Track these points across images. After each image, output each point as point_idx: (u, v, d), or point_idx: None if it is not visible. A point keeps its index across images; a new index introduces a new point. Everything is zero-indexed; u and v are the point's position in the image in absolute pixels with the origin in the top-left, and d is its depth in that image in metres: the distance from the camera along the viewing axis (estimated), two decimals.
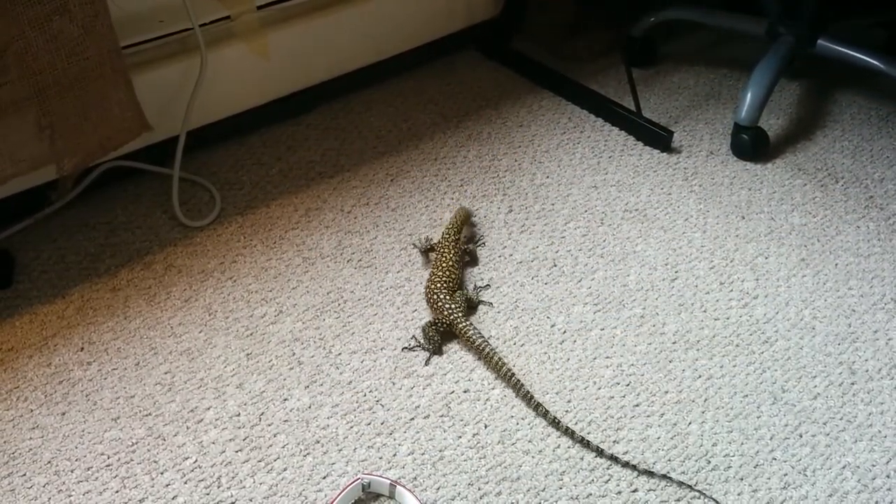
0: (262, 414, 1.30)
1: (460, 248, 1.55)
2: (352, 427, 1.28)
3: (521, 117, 1.99)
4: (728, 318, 1.50)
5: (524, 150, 1.88)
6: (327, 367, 1.37)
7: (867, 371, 1.41)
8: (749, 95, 1.85)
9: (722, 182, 1.82)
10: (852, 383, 1.39)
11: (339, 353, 1.40)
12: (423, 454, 1.25)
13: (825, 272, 1.60)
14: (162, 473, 1.21)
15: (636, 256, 1.62)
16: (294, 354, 1.39)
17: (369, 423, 1.29)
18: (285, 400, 1.32)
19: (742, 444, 1.29)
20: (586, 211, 1.72)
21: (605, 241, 1.65)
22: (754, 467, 1.26)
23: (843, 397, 1.37)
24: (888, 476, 1.25)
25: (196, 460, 1.23)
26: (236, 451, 1.24)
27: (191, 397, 1.32)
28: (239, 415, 1.29)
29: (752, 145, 1.87)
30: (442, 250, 1.52)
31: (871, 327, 1.49)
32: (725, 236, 1.67)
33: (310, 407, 1.31)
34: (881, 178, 1.84)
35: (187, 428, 1.27)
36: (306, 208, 1.70)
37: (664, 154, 1.89)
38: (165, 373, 1.35)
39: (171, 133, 1.68)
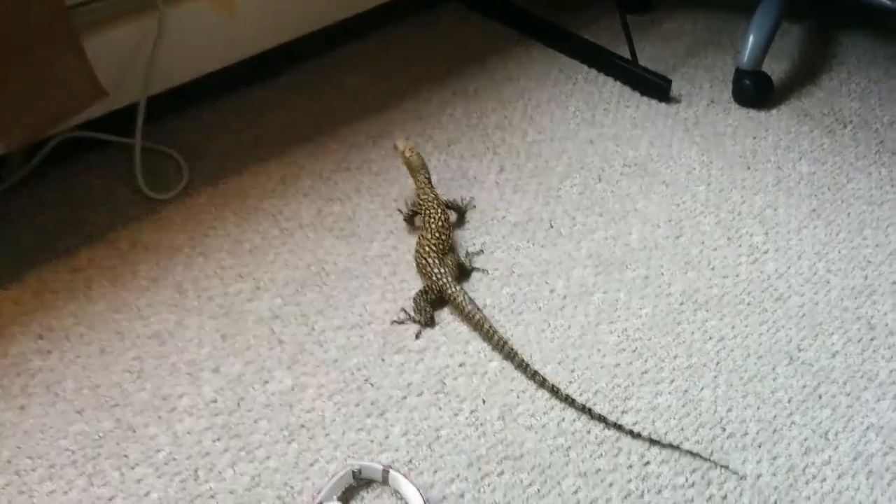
0: (241, 399, 1.20)
1: (441, 202, 1.44)
2: (339, 409, 1.19)
3: (509, 71, 1.87)
4: (738, 276, 1.40)
5: (514, 105, 1.77)
6: (310, 345, 1.27)
7: (887, 325, 1.32)
8: (751, 38, 1.74)
9: (725, 131, 1.71)
10: (872, 339, 1.30)
11: (323, 330, 1.29)
12: (417, 435, 1.16)
13: (837, 222, 1.50)
14: (133, 468, 1.11)
15: (637, 214, 1.52)
16: (274, 333, 1.29)
17: (358, 404, 1.19)
18: (266, 383, 1.22)
19: (758, 408, 1.20)
20: (582, 167, 1.61)
21: (603, 198, 1.55)
22: (772, 433, 1.17)
23: (863, 354, 1.28)
24: None
25: (170, 452, 1.13)
26: (214, 441, 1.14)
27: (162, 384, 1.21)
28: (216, 401, 1.19)
29: (755, 91, 1.76)
30: (427, 210, 1.41)
31: (888, 278, 1.40)
32: (731, 188, 1.57)
33: (293, 389, 1.21)
34: (891, 121, 1.74)
35: (159, 417, 1.17)
36: (282, 175, 1.58)
37: (663, 104, 1.77)
38: (134, 359, 1.25)
39: (131, 100, 1.55)
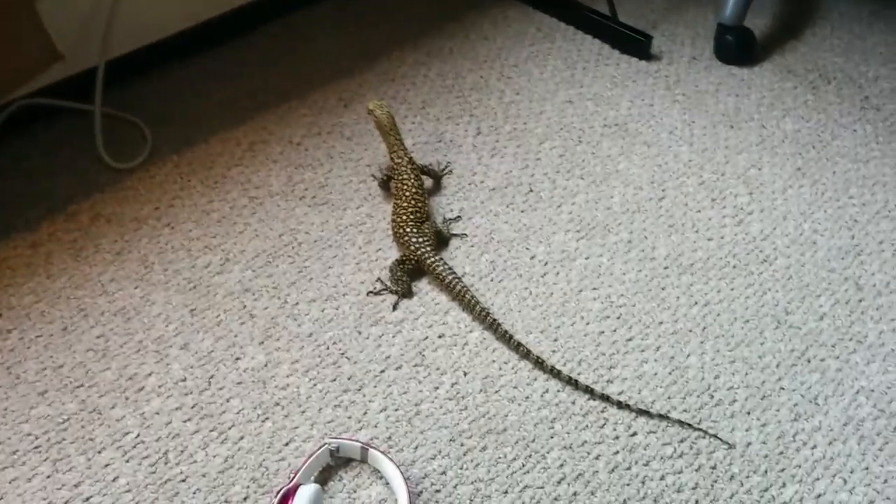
0: (212, 377, 1.15)
1: (416, 166, 1.38)
2: (315, 385, 1.14)
3: (485, 30, 1.80)
4: (722, 238, 1.36)
5: (490, 65, 1.71)
6: (283, 318, 1.22)
7: (874, 286, 1.29)
8: None
9: (707, 89, 1.66)
10: (860, 300, 1.27)
11: (296, 303, 1.24)
12: (396, 410, 1.11)
13: (823, 181, 1.47)
14: (99, 452, 1.06)
15: (619, 176, 1.47)
16: (245, 307, 1.23)
17: (334, 380, 1.15)
18: (237, 359, 1.17)
19: (746, 374, 1.17)
20: (562, 129, 1.56)
21: (584, 160, 1.50)
22: (761, 399, 1.14)
23: (851, 316, 1.25)
24: None
25: (138, 434, 1.08)
26: (184, 421, 1.10)
27: (129, 363, 1.16)
28: (185, 380, 1.14)
29: (737, 47, 1.71)
30: (400, 176, 1.36)
31: (875, 238, 1.37)
32: (714, 148, 1.53)
33: (266, 365, 1.16)
34: (875, 76, 1.70)
35: (126, 398, 1.12)
36: (250, 142, 1.51)
37: (643, 62, 1.72)
38: (98, 337, 1.19)
39: (89, 64, 1.48)
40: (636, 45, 1.73)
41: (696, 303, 1.26)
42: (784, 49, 1.77)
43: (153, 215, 1.37)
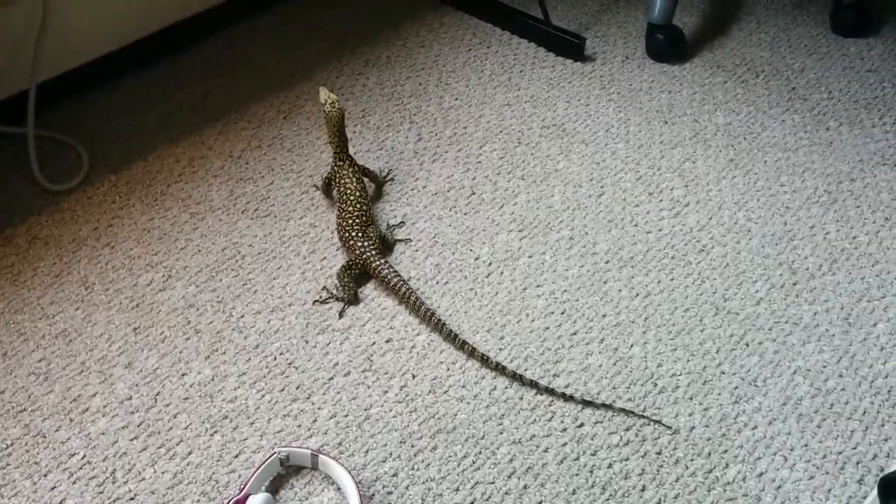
0: (158, 394, 1.14)
1: (358, 168, 1.38)
2: (263, 396, 1.14)
3: (421, 37, 1.82)
4: (661, 230, 1.40)
5: (428, 72, 1.72)
6: (229, 332, 1.22)
7: (808, 269, 1.34)
8: None
9: (640, 87, 1.70)
10: (794, 283, 1.31)
11: (242, 316, 1.24)
12: (346, 416, 1.12)
13: (755, 171, 1.51)
14: (45, 475, 1.05)
15: (559, 175, 1.50)
16: (189, 322, 1.23)
17: (283, 389, 1.15)
18: (183, 375, 1.16)
19: (688, 361, 1.20)
20: (501, 131, 1.59)
21: (524, 161, 1.52)
22: (703, 384, 1.17)
23: (787, 299, 1.29)
24: (840, 376, 1.18)
25: (84, 456, 1.07)
26: (131, 440, 1.09)
27: (72, 385, 1.14)
28: (130, 398, 1.13)
29: (668, 45, 1.76)
30: (343, 179, 1.36)
31: (806, 223, 1.41)
32: (650, 144, 1.57)
33: (213, 379, 1.16)
34: (801, 67, 1.75)
35: (71, 420, 1.10)
36: (190, 157, 1.51)
37: (578, 63, 1.76)
38: (39, 360, 1.17)
39: (20, 87, 1.46)
40: (570, 47, 1.76)
41: (637, 294, 1.29)
42: (713, 45, 1.82)
43: (92, 236, 1.35)
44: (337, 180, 1.36)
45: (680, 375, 1.18)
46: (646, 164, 1.52)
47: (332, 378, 1.16)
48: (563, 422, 1.12)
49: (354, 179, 1.35)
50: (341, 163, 1.37)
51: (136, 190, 1.43)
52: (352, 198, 1.33)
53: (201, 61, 1.73)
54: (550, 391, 1.15)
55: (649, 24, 1.76)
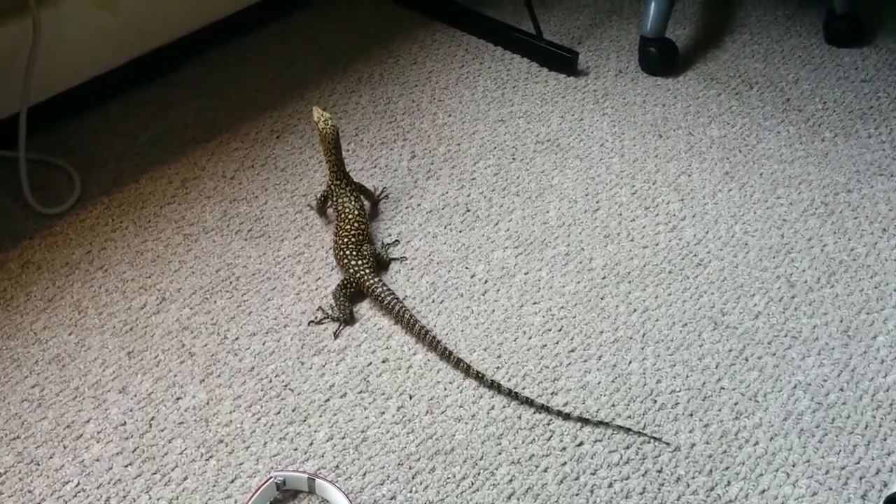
0: (153, 419, 1.12)
1: (354, 186, 1.37)
2: (259, 419, 1.13)
3: (414, 54, 1.82)
4: (657, 245, 1.39)
5: (421, 89, 1.72)
6: (224, 354, 1.21)
7: (806, 282, 1.33)
8: (652, 6, 1.73)
9: (634, 101, 1.70)
10: (793, 297, 1.31)
11: (237, 338, 1.23)
12: (343, 438, 1.11)
13: (751, 184, 1.51)
14: None
15: (554, 190, 1.49)
16: (184, 346, 1.22)
17: (279, 412, 1.13)
18: (178, 399, 1.15)
19: (687, 377, 1.19)
20: (495, 147, 1.58)
21: (518, 177, 1.52)
22: (703, 400, 1.16)
23: (785, 313, 1.28)
24: (841, 390, 1.17)
25: (78, 483, 1.05)
26: (125, 466, 1.07)
27: (65, 411, 1.13)
28: (125, 424, 1.12)
29: (660, 58, 1.76)
30: (340, 198, 1.35)
31: (804, 235, 1.41)
32: (644, 158, 1.56)
33: (208, 403, 1.14)
34: (795, 79, 1.76)
35: (64, 447, 1.09)
36: (182, 179, 1.50)
37: (571, 78, 1.75)
38: (33, 386, 1.16)
39: (11, 110, 1.45)
40: (563, 61, 1.76)
41: (634, 310, 1.28)
42: (706, 58, 1.82)
43: (85, 259, 1.34)
44: (334, 199, 1.35)
45: (679, 391, 1.17)
46: (641, 179, 1.52)
47: (328, 400, 1.15)
48: (562, 441, 1.11)
49: (352, 198, 1.35)
50: (338, 181, 1.36)
51: (128, 212, 1.43)
52: (350, 216, 1.32)
53: (191, 82, 1.72)
54: (546, 409, 1.14)
55: (642, 37, 1.76)
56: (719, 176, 1.52)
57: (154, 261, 1.34)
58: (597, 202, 1.47)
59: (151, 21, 1.62)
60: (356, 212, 1.33)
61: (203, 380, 1.17)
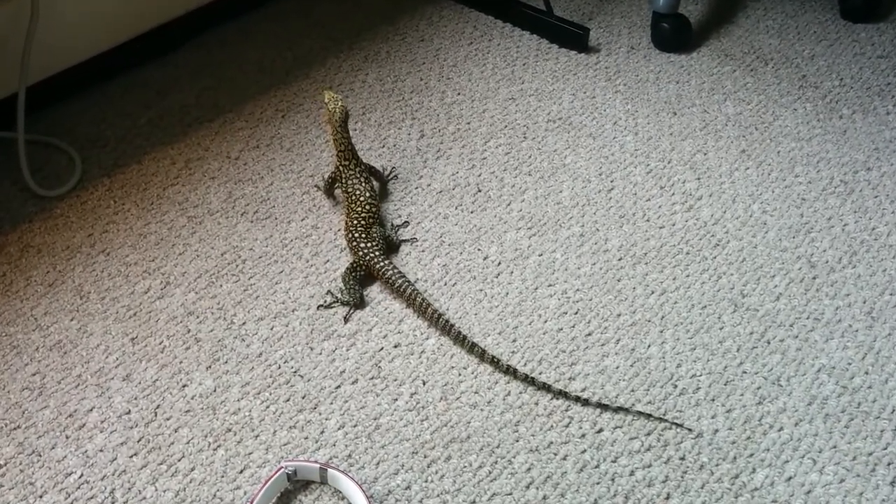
0: (158, 407, 1.09)
1: (364, 167, 1.33)
2: (268, 407, 1.09)
3: (421, 31, 1.77)
4: (674, 225, 1.35)
5: (429, 66, 1.68)
6: (231, 340, 1.17)
7: (827, 262, 1.29)
8: None
9: (647, 78, 1.65)
10: (814, 277, 1.27)
11: (244, 323, 1.19)
12: (355, 426, 1.07)
13: (768, 162, 1.47)
14: (41, 497, 1.00)
15: (567, 170, 1.45)
16: (189, 331, 1.18)
17: (288, 399, 1.10)
18: (184, 386, 1.11)
19: (708, 360, 1.15)
20: (506, 126, 1.54)
21: (530, 156, 1.48)
22: (724, 384, 1.13)
23: (807, 294, 1.24)
24: (866, 373, 1.14)
25: (81, 475, 1.02)
26: (130, 457, 1.04)
27: (68, 399, 1.10)
28: (129, 412, 1.08)
29: (673, 34, 1.71)
30: (350, 180, 1.31)
31: (824, 214, 1.37)
32: (659, 136, 1.52)
33: (215, 391, 1.11)
34: (811, 55, 1.71)
35: (67, 437, 1.06)
36: (185, 159, 1.46)
37: (582, 55, 1.71)
38: (33, 374, 1.13)
39: (9, 90, 1.41)
40: (574, 38, 1.71)
41: (652, 292, 1.25)
42: (720, 33, 1.77)
43: (86, 242, 1.30)
44: (343, 181, 1.31)
45: (700, 376, 1.14)
46: (656, 157, 1.48)
47: (339, 386, 1.12)
48: (581, 427, 1.07)
49: (362, 179, 1.31)
50: (346, 162, 1.32)
51: (130, 194, 1.39)
52: (361, 198, 1.28)
53: (193, 61, 1.68)
54: (564, 395, 1.10)
55: (654, 13, 1.72)
56: (736, 154, 1.48)
57: (157, 244, 1.30)
58: (611, 182, 1.43)
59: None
60: (367, 193, 1.29)
61: (209, 366, 1.14)
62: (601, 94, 1.61)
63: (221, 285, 1.24)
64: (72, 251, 1.29)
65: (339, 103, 1.31)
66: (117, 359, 1.14)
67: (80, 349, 1.15)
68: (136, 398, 1.10)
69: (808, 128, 1.54)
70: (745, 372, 1.14)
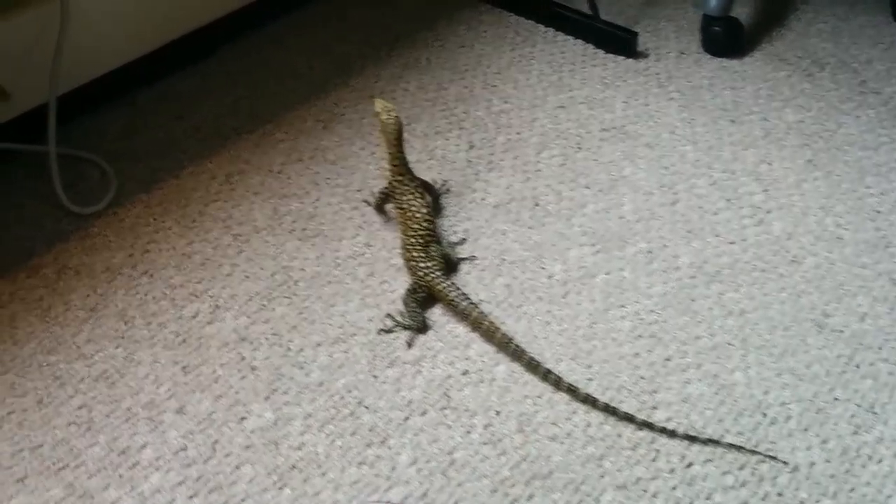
0: (216, 442, 1.01)
1: (418, 182, 1.26)
2: (333, 441, 1.02)
3: (461, 37, 1.70)
4: (745, 240, 1.28)
5: (472, 74, 1.61)
6: (288, 368, 1.10)
7: None
8: None
9: (701, 84, 1.59)
10: None
11: (301, 349, 1.12)
12: (428, 462, 1.00)
13: (837, 172, 1.40)
14: None
15: (626, 182, 1.38)
16: (244, 359, 1.11)
17: (354, 433, 1.03)
18: (243, 419, 1.04)
19: (796, 387, 1.09)
20: (558, 136, 1.47)
21: (587, 168, 1.41)
22: (816, 413, 1.06)
23: (892, 313, 1.18)
24: None
25: None
26: (189, 498, 0.96)
27: (118, 435, 1.02)
28: (185, 448, 1.01)
29: (725, 38, 1.65)
30: (404, 196, 1.24)
31: None
32: (719, 146, 1.45)
33: (275, 423, 1.04)
34: (867, 59, 1.65)
35: (120, 476, 0.98)
36: (226, 174, 1.38)
37: (630, 60, 1.64)
38: (79, 408, 1.05)
39: (39, 101, 1.33)
40: (621, 43, 1.65)
41: (730, 313, 1.18)
42: (772, 37, 1.71)
43: (127, 263, 1.23)
44: (398, 196, 1.24)
45: (790, 404, 1.07)
46: (718, 168, 1.41)
47: (407, 418, 1.04)
48: (669, 461, 1.00)
49: (417, 195, 1.24)
50: (401, 177, 1.25)
51: (170, 211, 1.31)
52: (417, 215, 1.21)
53: (224, 70, 1.60)
54: (649, 426, 1.03)
55: (705, 15, 1.65)
56: (801, 164, 1.42)
57: (203, 264, 1.23)
58: (674, 194, 1.36)
59: (181, 5, 1.50)
60: (423, 210, 1.22)
61: (268, 397, 1.06)
62: (654, 101, 1.55)
63: (274, 308, 1.17)
64: (112, 273, 1.21)
65: (394, 114, 1.24)
66: (168, 389, 1.07)
67: (128, 379, 1.08)
68: (191, 433, 1.02)
69: (873, 136, 1.47)
70: (837, 399, 1.08)
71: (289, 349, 1.12)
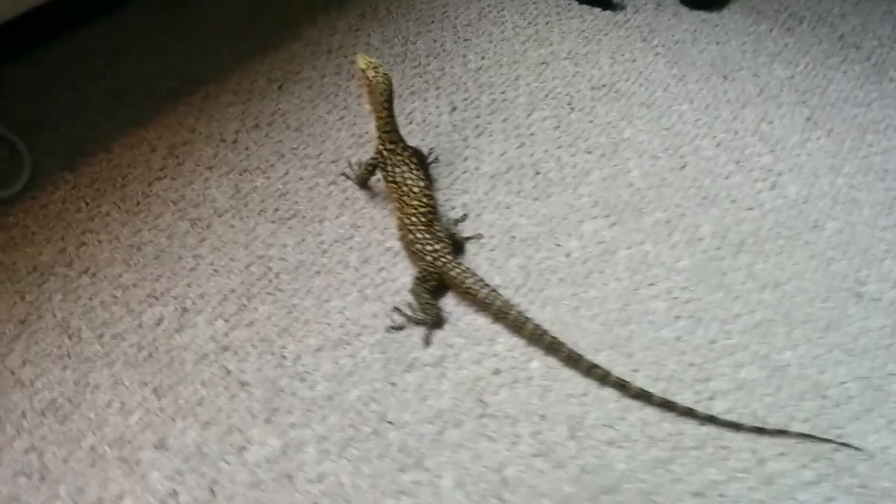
0: (214, 482, 0.81)
1: (411, 150, 1.08)
2: (358, 467, 0.84)
3: None
4: (763, 206, 1.19)
5: (440, 26, 1.42)
6: (287, 381, 0.90)
7: None
8: None
9: (685, 38, 1.48)
10: None
11: (298, 357, 0.93)
12: (476, 483, 0.84)
13: (837, 131, 1.33)
14: None
15: (628, 145, 1.25)
16: (230, 373, 0.90)
17: (382, 456, 0.85)
18: (242, 450, 0.84)
19: (849, 364, 1.00)
20: (546, 95, 1.32)
21: (584, 130, 1.27)
22: (876, 391, 0.97)
23: None
24: None
25: None
26: None
27: (83, 484, 0.80)
28: (175, 494, 0.80)
29: None
30: (396, 168, 1.05)
31: None
32: (716, 104, 1.35)
33: (284, 452, 0.84)
34: (841, 13, 1.59)
35: None
36: (168, 145, 1.15)
37: (607, 12, 1.51)
38: (26, 452, 0.82)
39: None
40: None
41: (765, 285, 1.08)
42: None
43: (59, 260, 0.98)
44: (389, 168, 1.05)
45: (847, 383, 0.98)
46: (720, 128, 1.30)
47: (441, 432, 0.88)
48: (741, 460, 0.89)
49: (412, 165, 1.05)
50: (392, 145, 1.06)
51: (105, 192, 1.07)
52: (415, 189, 1.03)
53: (146, 20, 1.35)
54: (713, 420, 0.92)
55: None
56: (801, 122, 1.33)
57: (157, 257, 1.00)
58: (681, 157, 1.24)
59: None
60: (420, 183, 1.04)
61: (269, 419, 0.87)
62: (641, 56, 1.42)
63: (256, 308, 0.97)
64: (41, 273, 0.97)
65: (382, 70, 1.05)
66: (140, 419, 0.85)
67: (85, 409, 0.85)
68: (180, 473, 0.81)
69: (864, 92, 1.41)
70: (892, 373, 0.99)
71: (283, 357, 0.92)
